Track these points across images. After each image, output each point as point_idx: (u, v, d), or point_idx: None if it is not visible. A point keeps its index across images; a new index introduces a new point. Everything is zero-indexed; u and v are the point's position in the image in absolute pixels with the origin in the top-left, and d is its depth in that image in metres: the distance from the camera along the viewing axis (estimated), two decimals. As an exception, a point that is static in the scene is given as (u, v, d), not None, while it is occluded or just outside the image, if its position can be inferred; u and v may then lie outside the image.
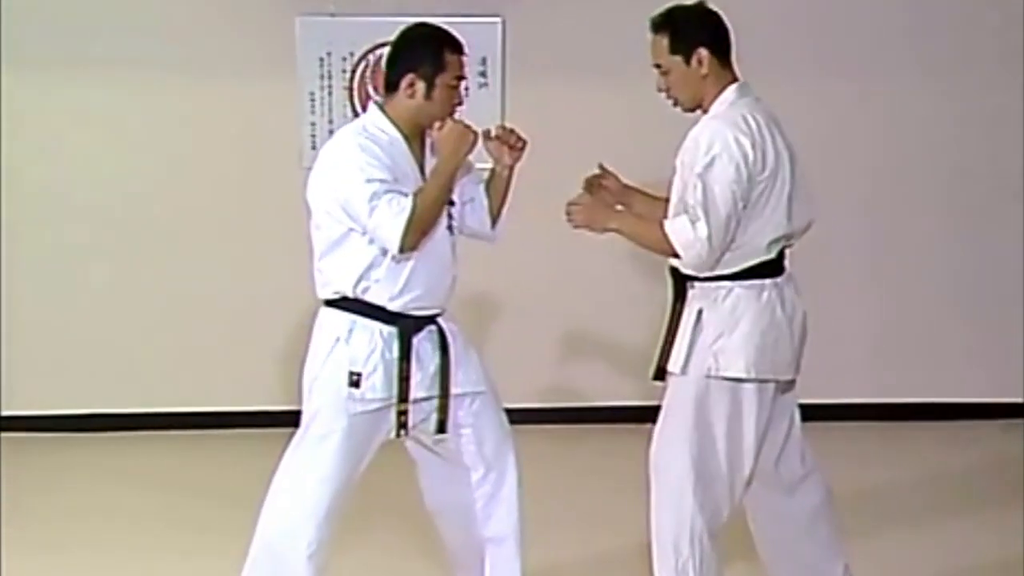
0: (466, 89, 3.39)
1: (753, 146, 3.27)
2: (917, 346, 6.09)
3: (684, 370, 3.39)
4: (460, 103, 3.47)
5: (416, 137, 3.44)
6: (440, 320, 3.51)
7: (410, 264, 3.37)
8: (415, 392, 3.44)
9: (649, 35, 3.41)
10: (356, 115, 5.82)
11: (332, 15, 5.78)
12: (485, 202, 3.63)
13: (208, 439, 5.85)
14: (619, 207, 3.61)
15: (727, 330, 3.37)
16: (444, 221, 3.44)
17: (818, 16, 5.89)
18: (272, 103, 5.84)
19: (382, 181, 3.28)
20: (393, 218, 3.24)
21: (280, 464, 3.48)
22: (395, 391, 3.40)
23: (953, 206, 6.02)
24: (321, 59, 5.85)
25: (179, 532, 4.61)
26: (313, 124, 5.89)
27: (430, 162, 3.45)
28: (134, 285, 5.96)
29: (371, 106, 3.49)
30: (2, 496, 4.90)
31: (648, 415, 3.65)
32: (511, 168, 3.58)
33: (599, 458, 5.51)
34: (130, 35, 5.77)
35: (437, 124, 3.37)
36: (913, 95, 5.94)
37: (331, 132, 5.77)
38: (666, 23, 3.38)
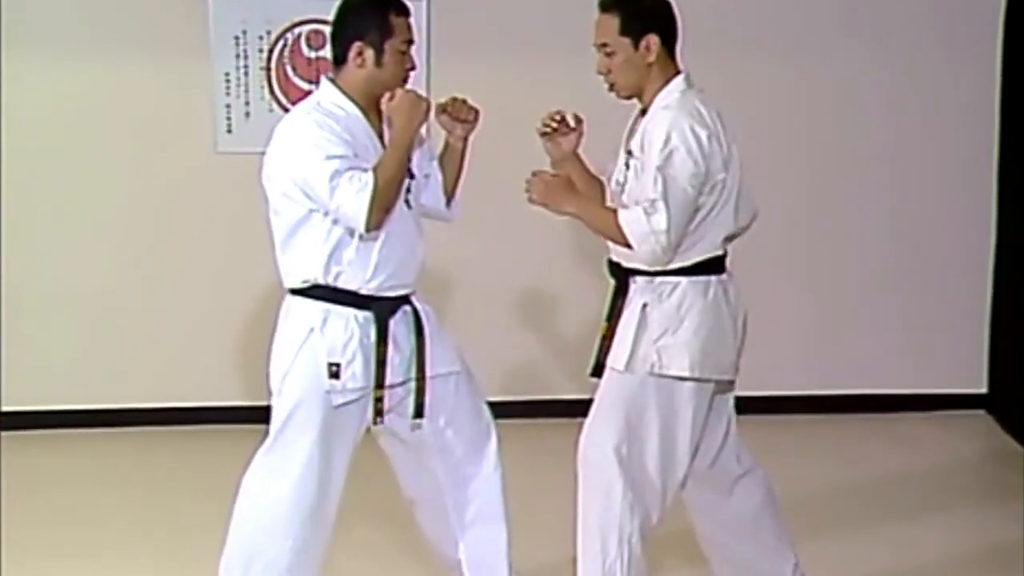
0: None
1: (710, 138, 3.21)
2: (854, 337, 5.98)
3: (627, 367, 3.31)
4: (413, 68, 3.36)
5: (373, 109, 3.32)
6: (413, 300, 3.42)
7: (378, 243, 3.26)
8: (392, 377, 3.33)
9: (596, 14, 3.33)
10: (274, 97, 5.63)
11: (247, -9, 5.57)
12: (440, 177, 3.55)
13: (175, 435, 5.67)
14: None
15: (672, 327, 3.30)
16: (402, 195, 3.33)
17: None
18: (184, 84, 5.59)
19: (342, 158, 3.16)
20: (356, 195, 3.13)
21: (252, 464, 3.35)
22: (372, 377, 3.29)
23: (890, 194, 5.91)
24: (236, 38, 5.60)
25: (154, 533, 4.46)
26: (228, 107, 5.65)
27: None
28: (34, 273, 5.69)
29: (323, 81, 3.36)
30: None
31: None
32: (464, 140, 3.52)
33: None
34: (30, 9, 5.46)
35: (387, 95, 3.26)
36: (850, 79, 5.78)
37: (247, 115, 5.66)
38: (619, 3, 3.30)
